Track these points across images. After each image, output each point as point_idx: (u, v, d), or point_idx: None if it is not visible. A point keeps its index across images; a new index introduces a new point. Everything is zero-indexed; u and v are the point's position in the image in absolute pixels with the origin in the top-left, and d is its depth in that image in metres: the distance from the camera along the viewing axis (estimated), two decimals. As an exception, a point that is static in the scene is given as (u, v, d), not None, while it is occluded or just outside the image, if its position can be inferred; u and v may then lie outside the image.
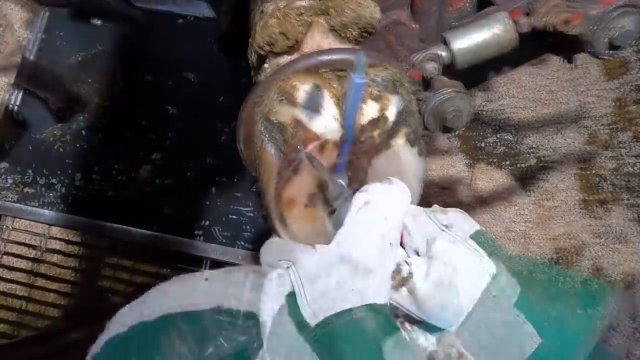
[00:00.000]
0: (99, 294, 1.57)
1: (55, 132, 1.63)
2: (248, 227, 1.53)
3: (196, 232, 1.53)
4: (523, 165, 2.09)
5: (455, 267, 0.56)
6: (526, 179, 2.07)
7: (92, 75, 1.65)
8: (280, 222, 0.65)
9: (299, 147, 0.61)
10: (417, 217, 0.60)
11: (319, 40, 0.69)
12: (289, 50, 0.69)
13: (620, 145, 2.10)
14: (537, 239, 1.98)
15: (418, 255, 0.59)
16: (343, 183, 0.62)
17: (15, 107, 1.66)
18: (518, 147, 2.10)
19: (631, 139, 2.10)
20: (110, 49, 1.70)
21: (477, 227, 0.60)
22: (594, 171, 2.08)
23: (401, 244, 0.61)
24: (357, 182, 0.66)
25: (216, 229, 1.53)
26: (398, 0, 0.86)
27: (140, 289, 1.54)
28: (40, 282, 1.60)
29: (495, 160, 2.09)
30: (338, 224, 0.59)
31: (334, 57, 0.64)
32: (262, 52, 0.70)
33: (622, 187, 2.05)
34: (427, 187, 2.04)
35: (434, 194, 2.04)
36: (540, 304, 0.56)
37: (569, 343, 0.56)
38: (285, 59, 0.69)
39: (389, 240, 0.57)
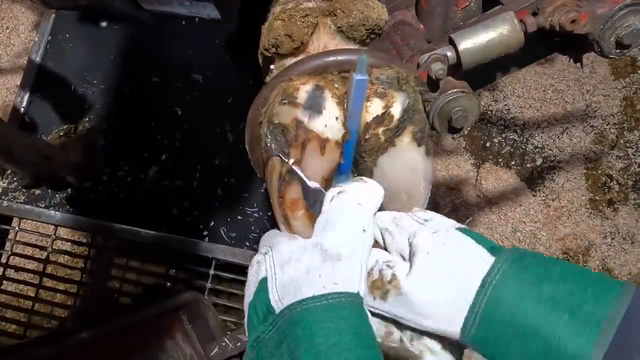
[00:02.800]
0: (107, 294, 1.58)
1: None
2: (255, 227, 1.53)
3: (203, 233, 1.53)
4: (529, 165, 2.08)
5: (443, 258, 0.53)
6: (533, 178, 2.07)
7: (74, 155, 1.54)
8: (285, 224, 0.64)
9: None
10: (397, 219, 0.59)
11: (325, 41, 0.68)
12: (295, 52, 0.68)
13: (628, 144, 2.08)
14: (545, 239, 1.97)
15: (404, 259, 0.57)
16: (322, 189, 0.61)
17: (22, 109, 1.68)
18: (524, 146, 2.10)
19: (639, 138, 2.09)
20: (117, 51, 1.71)
21: (460, 224, 0.58)
22: (601, 171, 2.07)
23: (385, 249, 0.60)
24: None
25: (223, 230, 1.53)
26: (403, 0, 0.86)
27: (148, 290, 1.54)
28: (49, 283, 1.61)
29: (501, 160, 2.09)
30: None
31: (339, 57, 0.64)
32: (268, 54, 0.70)
33: (629, 186, 2.04)
34: (434, 187, 2.04)
35: (442, 194, 2.04)
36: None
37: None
38: (291, 61, 0.69)
39: (362, 226, 0.55)
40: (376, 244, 0.60)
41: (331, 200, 0.57)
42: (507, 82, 2.16)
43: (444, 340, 0.55)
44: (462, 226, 0.57)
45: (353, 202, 0.56)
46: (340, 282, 0.52)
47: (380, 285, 0.55)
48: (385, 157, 0.64)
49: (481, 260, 0.52)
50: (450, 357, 0.56)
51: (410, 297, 0.53)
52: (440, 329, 0.53)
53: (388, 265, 0.56)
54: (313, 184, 0.61)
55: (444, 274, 0.52)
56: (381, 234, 0.60)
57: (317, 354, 0.47)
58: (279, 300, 0.53)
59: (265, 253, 0.58)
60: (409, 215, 0.59)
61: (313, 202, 0.61)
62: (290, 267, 0.54)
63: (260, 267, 0.58)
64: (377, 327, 0.57)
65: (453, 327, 0.52)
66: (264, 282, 0.56)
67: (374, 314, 0.56)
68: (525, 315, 0.49)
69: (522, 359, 0.49)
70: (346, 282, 0.52)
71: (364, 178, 0.61)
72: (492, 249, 0.54)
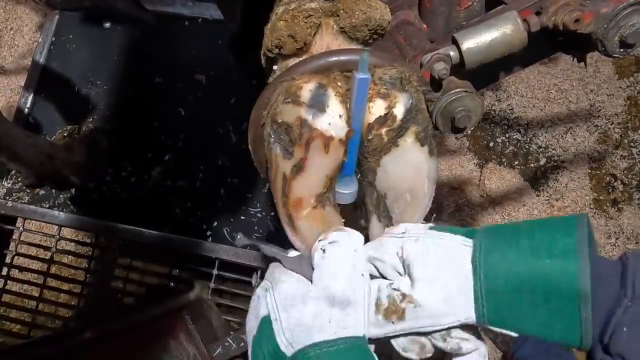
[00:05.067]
0: (110, 294, 1.58)
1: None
2: (258, 228, 1.53)
3: (207, 233, 1.53)
4: (533, 165, 2.08)
5: (435, 258, 0.56)
6: (536, 178, 2.06)
7: (78, 155, 1.55)
8: (289, 224, 0.64)
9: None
10: (376, 245, 0.61)
11: (328, 41, 0.68)
12: (298, 52, 0.68)
13: (632, 144, 2.08)
14: (548, 239, 1.97)
15: (399, 274, 0.59)
16: (303, 254, 0.62)
17: (26, 109, 1.68)
18: (528, 146, 2.09)
19: (643, 137, 2.09)
20: (120, 52, 1.71)
21: (430, 224, 0.61)
22: (605, 171, 2.06)
23: (380, 275, 0.61)
24: (367, 183, 0.66)
25: (226, 230, 1.53)
26: (406, 0, 0.86)
27: (151, 290, 1.54)
28: (53, 283, 1.62)
29: (504, 160, 2.08)
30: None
31: (342, 57, 0.64)
32: (271, 55, 0.70)
33: (634, 186, 2.04)
34: (437, 187, 2.03)
35: (445, 195, 2.03)
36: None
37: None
38: (294, 61, 0.69)
39: (361, 271, 0.58)
40: (371, 276, 0.62)
41: (324, 250, 0.59)
42: (511, 81, 2.16)
43: (466, 328, 0.58)
44: (432, 224, 0.61)
45: (350, 250, 0.59)
46: (350, 327, 0.55)
47: (395, 309, 0.57)
48: (388, 157, 0.63)
49: (464, 246, 0.56)
50: (476, 339, 0.59)
51: (425, 304, 0.55)
52: (460, 321, 0.55)
53: (394, 289, 0.58)
54: (293, 253, 0.62)
55: (442, 270, 0.56)
56: (372, 264, 0.61)
57: None
58: (288, 345, 0.55)
59: (267, 289, 0.60)
60: (385, 236, 0.62)
61: (300, 269, 0.61)
62: (296, 311, 0.56)
63: (260, 303, 0.59)
64: (406, 345, 0.59)
65: (468, 314, 0.55)
66: (266, 321, 0.57)
67: (396, 337, 0.58)
68: (518, 275, 0.53)
69: (535, 313, 0.52)
70: (355, 326, 0.56)
71: (345, 228, 0.63)
72: (467, 233, 0.58)
